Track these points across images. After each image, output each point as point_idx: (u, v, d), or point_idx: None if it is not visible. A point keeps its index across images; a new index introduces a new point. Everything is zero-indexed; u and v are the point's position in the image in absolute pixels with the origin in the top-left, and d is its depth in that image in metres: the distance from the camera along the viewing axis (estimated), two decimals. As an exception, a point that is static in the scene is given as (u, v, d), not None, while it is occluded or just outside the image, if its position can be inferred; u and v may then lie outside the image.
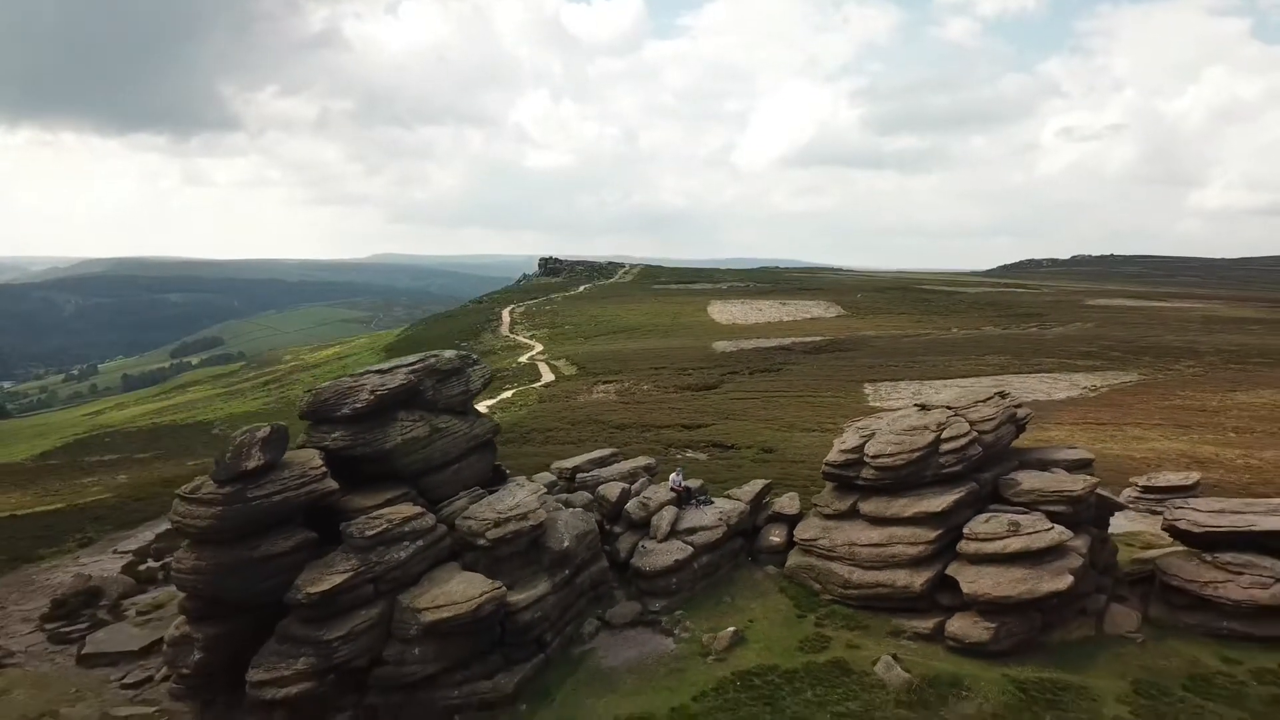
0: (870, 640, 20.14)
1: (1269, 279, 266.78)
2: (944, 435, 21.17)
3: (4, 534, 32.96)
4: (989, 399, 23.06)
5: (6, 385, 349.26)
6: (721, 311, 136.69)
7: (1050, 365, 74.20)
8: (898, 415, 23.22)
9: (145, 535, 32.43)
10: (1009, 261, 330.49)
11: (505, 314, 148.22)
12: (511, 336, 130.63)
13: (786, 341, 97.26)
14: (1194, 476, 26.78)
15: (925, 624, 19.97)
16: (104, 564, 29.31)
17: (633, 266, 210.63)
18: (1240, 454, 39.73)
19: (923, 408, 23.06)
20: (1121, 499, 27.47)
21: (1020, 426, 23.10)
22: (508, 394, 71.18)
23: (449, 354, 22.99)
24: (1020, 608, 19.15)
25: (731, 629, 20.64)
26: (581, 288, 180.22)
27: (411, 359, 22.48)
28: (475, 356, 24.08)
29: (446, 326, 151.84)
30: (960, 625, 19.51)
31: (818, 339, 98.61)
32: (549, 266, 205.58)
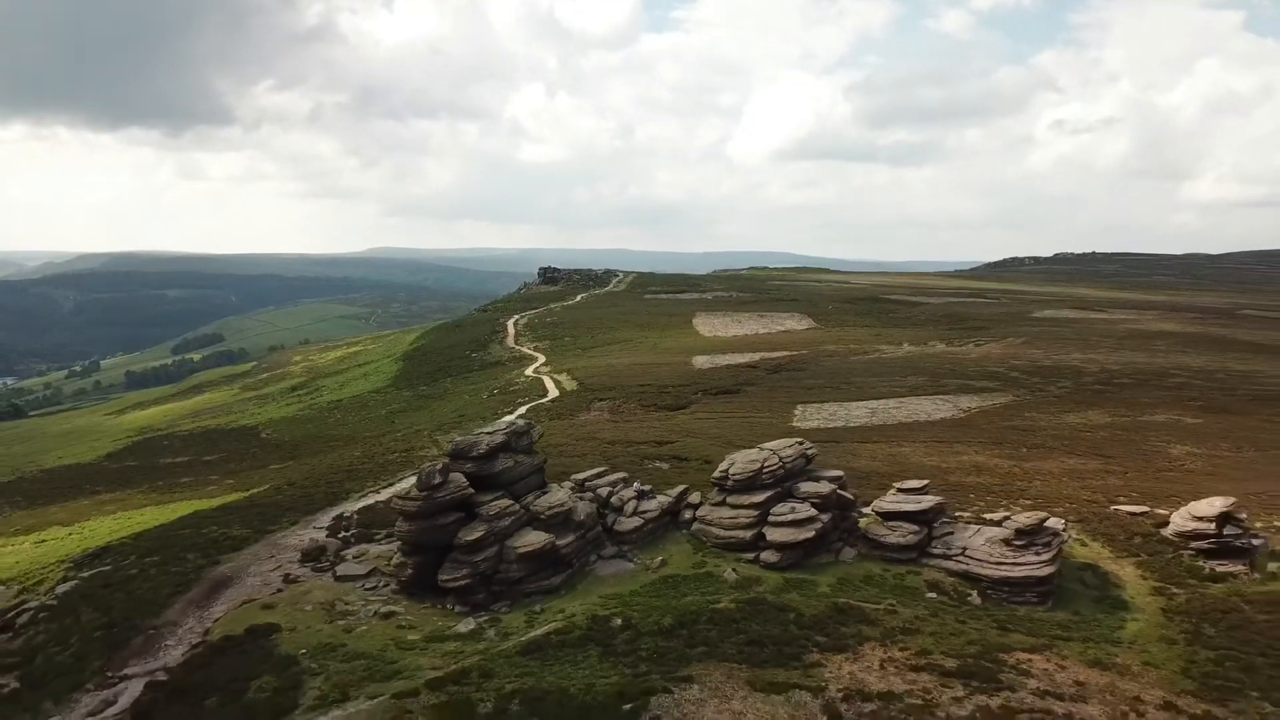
0: (725, 563, 44.60)
1: (1241, 278, 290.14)
2: (764, 464, 45.59)
3: (240, 518, 57.02)
4: (792, 445, 47.49)
5: (9, 381, 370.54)
6: (705, 324, 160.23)
7: (953, 387, 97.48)
8: (746, 452, 47.57)
9: (324, 520, 56.32)
10: (997, 258, 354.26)
11: (510, 325, 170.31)
12: (516, 348, 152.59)
13: (755, 358, 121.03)
14: (924, 481, 50.56)
15: (750, 555, 44.44)
16: (312, 534, 53.32)
17: (626, 274, 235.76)
18: (1012, 464, 63.97)
19: (760, 449, 47.44)
20: (886, 495, 51.76)
21: (809, 459, 47.69)
22: (523, 409, 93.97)
23: (522, 423, 47.40)
24: (792, 547, 43.61)
25: (660, 558, 45.11)
26: (579, 296, 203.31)
27: (503, 424, 46.85)
28: (535, 422, 48.44)
29: (457, 337, 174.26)
30: (766, 555, 44.00)
31: (781, 355, 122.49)
32: (548, 275, 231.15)
